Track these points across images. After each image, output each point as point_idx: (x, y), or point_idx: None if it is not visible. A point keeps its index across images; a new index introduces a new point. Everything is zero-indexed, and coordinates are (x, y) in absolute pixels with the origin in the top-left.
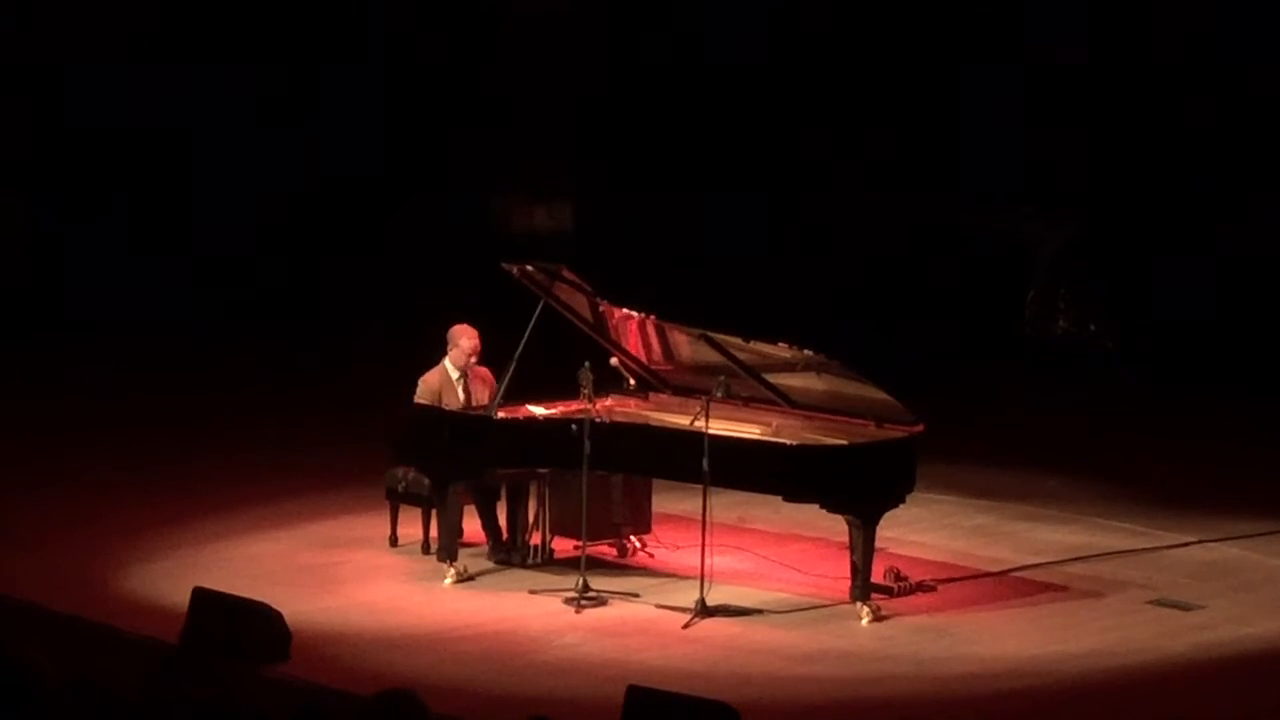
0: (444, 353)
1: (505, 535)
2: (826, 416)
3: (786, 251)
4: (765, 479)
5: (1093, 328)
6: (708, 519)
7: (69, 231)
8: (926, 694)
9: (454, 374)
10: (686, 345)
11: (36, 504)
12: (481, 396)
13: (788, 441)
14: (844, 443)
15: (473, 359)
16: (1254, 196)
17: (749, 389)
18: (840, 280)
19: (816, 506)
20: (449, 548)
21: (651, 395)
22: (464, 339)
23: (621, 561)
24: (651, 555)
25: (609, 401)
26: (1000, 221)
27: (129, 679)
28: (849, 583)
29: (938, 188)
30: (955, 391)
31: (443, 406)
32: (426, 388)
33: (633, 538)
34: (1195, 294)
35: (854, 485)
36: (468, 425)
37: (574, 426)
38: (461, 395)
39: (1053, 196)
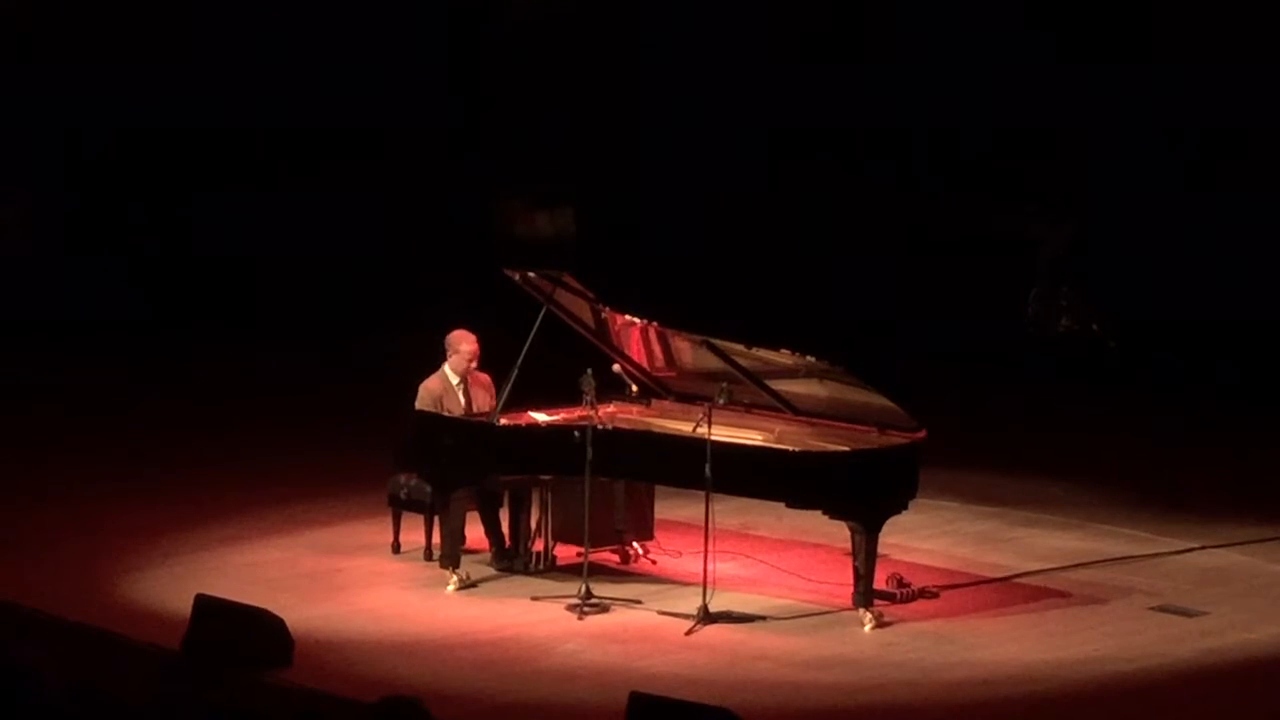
0: (444, 358)
1: (508, 542)
2: (829, 423)
3: (786, 253)
4: (768, 485)
5: (1095, 327)
6: (710, 525)
7: (70, 233)
8: (929, 700)
9: (454, 379)
10: (689, 351)
11: (39, 510)
12: (482, 402)
13: (790, 448)
14: (846, 449)
15: (472, 364)
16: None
17: (751, 395)
18: (840, 281)
19: (819, 513)
20: (451, 554)
21: (654, 402)
22: (463, 344)
23: (624, 568)
24: (654, 562)
25: (611, 408)
26: (1001, 221)
27: (132, 685)
28: (852, 589)
29: (938, 187)
30: (957, 395)
31: (444, 412)
32: (428, 393)
33: (635, 544)
34: (1198, 294)
35: (856, 491)
36: (470, 432)
37: (576, 433)
38: (462, 400)
39: (1054, 196)
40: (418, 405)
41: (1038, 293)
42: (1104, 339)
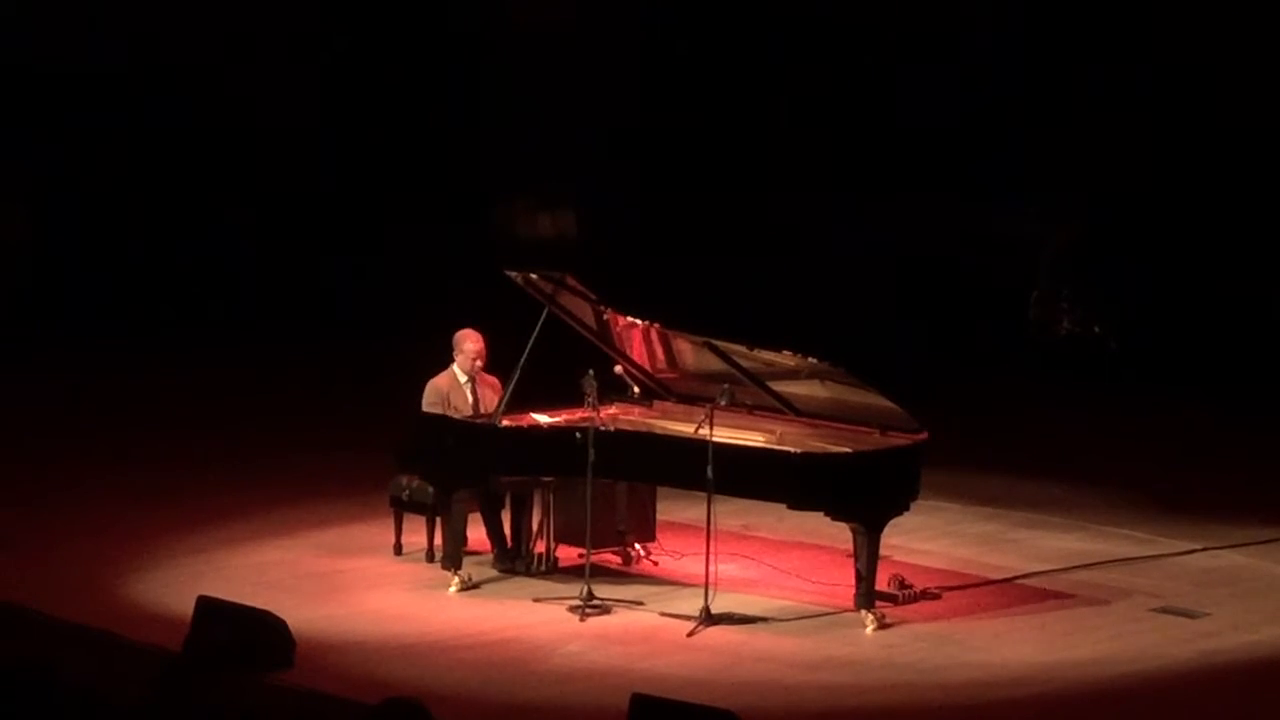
0: (450, 358)
1: (510, 543)
2: (830, 424)
3: (785, 254)
4: (769, 487)
5: (1097, 329)
6: (712, 527)
7: (71, 235)
8: (931, 702)
9: (462, 378)
10: (690, 353)
11: (40, 511)
12: (489, 402)
13: (792, 449)
14: (848, 450)
15: (478, 362)
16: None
17: (753, 397)
18: (840, 283)
19: (821, 514)
20: (453, 556)
21: (655, 403)
22: (468, 343)
23: (626, 569)
24: (655, 563)
25: (613, 409)
26: (1003, 223)
27: (133, 687)
28: (853, 590)
29: (938, 188)
30: (959, 397)
31: (451, 410)
32: (435, 391)
33: (637, 545)
34: (1200, 297)
35: (858, 493)
36: (472, 433)
37: (578, 434)
38: (470, 399)
39: (1056, 197)
40: (425, 403)
41: (1039, 295)
42: (1105, 340)
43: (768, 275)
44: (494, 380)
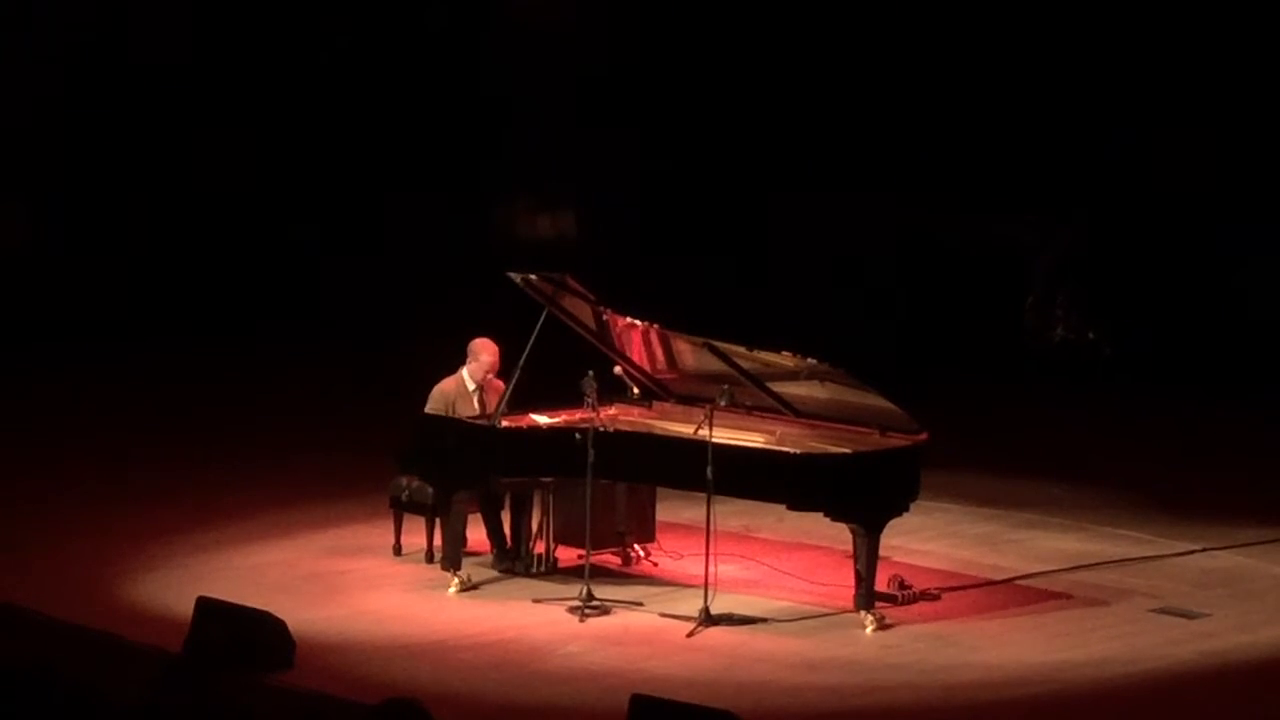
0: (461, 362)
1: (509, 544)
2: (830, 425)
3: (783, 256)
4: (769, 487)
5: (1091, 335)
6: (711, 527)
7: (70, 237)
8: (931, 702)
9: (470, 385)
10: (690, 354)
11: (40, 512)
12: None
13: (792, 450)
14: (848, 451)
15: (490, 374)
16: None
17: (752, 398)
18: (839, 285)
19: (820, 515)
20: (452, 556)
21: (655, 404)
22: (484, 353)
23: (625, 570)
24: (655, 564)
25: (613, 410)
26: (1000, 228)
27: (133, 687)
28: (853, 591)
29: (938, 191)
30: (957, 399)
31: (454, 415)
32: (440, 394)
33: (636, 546)
34: (1196, 298)
35: (858, 494)
36: (472, 434)
37: (578, 435)
38: (476, 406)
39: (1053, 203)
40: (428, 406)
41: (1033, 301)
42: (1099, 346)
43: (767, 275)
44: (500, 385)
